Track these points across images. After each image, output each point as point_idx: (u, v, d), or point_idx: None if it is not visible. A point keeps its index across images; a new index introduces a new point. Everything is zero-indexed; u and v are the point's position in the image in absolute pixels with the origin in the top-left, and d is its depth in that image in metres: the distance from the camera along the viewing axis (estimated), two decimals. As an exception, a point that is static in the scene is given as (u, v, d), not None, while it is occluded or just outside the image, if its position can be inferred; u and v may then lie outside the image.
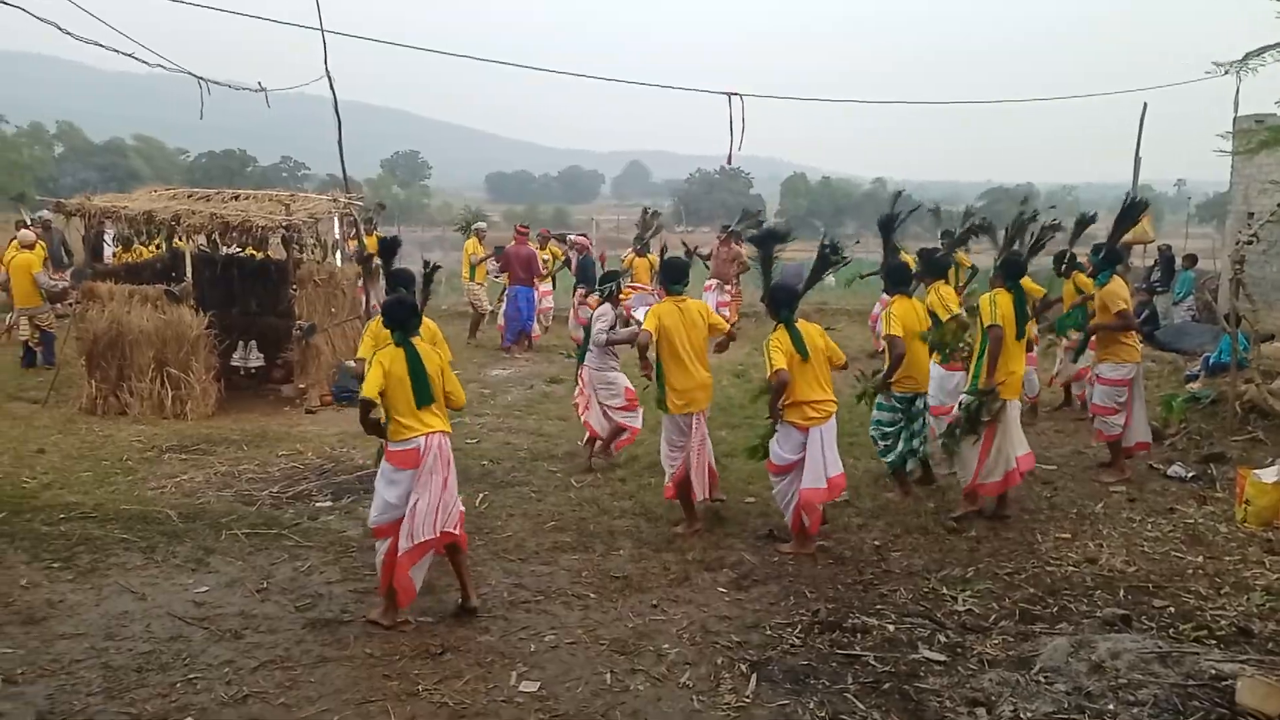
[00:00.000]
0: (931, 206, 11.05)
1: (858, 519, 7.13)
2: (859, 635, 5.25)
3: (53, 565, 6.14)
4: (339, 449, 9.02)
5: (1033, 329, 7.38)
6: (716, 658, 5.00)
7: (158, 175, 57.41)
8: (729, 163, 9.60)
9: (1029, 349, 7.83)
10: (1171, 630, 5.24)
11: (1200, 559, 6.32)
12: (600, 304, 8.37)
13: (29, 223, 14.82)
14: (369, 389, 5.17)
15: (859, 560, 6.36)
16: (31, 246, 12.87)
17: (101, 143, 68.67)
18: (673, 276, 7.04)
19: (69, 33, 6.85)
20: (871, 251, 10.76)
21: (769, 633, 5.29)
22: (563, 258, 16.39)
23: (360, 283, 11.72)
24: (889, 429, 7.50)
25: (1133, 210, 8.30)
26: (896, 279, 7.55)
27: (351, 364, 11.03)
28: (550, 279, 16.26)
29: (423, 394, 5.30)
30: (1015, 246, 8.22)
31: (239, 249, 12.59)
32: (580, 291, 14.60)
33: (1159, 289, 17.14)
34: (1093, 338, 8.32)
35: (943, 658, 4.98)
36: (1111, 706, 4.37)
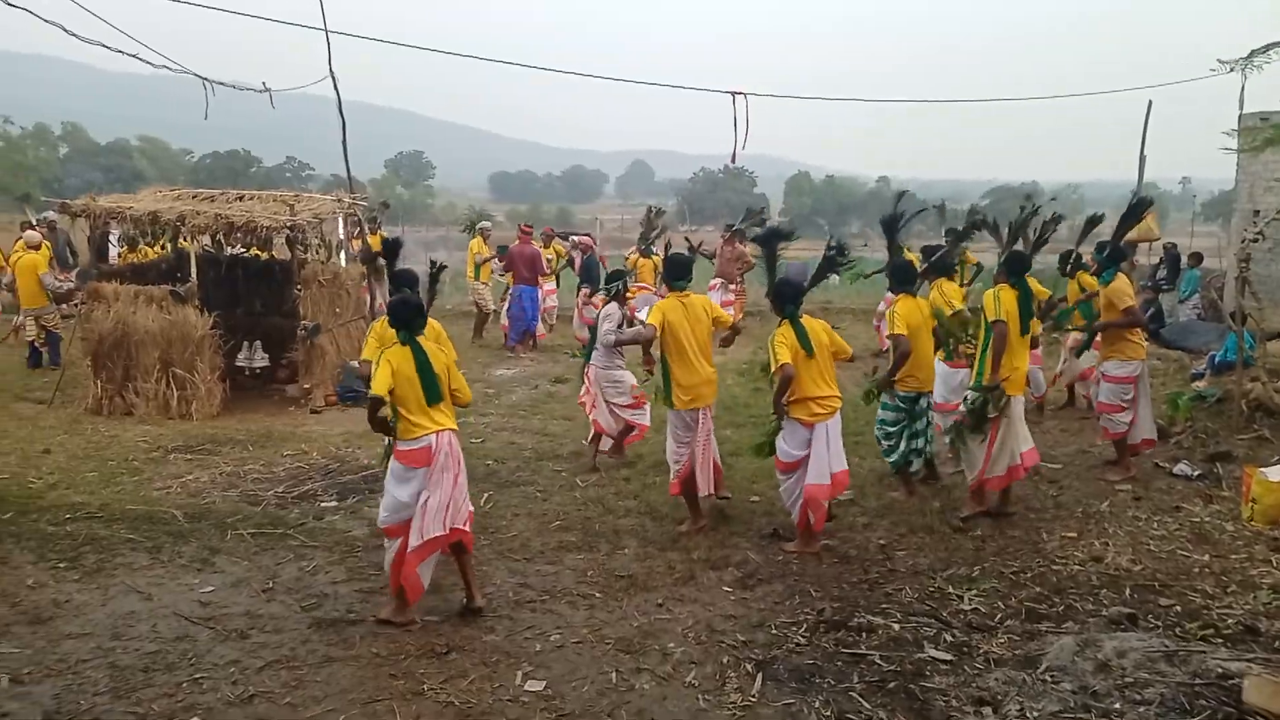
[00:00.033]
0: (936, 204, 11.02)
1: (863, 518, 7.12)
2: (864, 634, 5.24)
3: (59, 565, 6.16)
4: (344, 449, 9.03)
5: (1037, 326, 7.36)
6: (722, 657, 5.00)
7: (162, 176, 57.51)
8: (733, 162, 9.58)
9: (1034, 346, 7.81)
10: (1178, 629, 5.23)
11: (1207, 558, 6.30)
12: (607, 303, 8.37)
13: (34, 223, 14.87)
14: (378, 386, 5.16)
15: (864, 559, 6.36)
16: (37, 247, 12.91)
17: (106, 143, 68.77)
18: (676, 273, 7.05)
19: (74, 34, 6.86)
20: (877, 251, 10.74)
21: (774, 632, 5.28)
22: (566, 256, 16.39)
23: (365, 282, 11.73)
24: (892, 428, 7.50)
25: (1137, 208, 8.28)
26: (901, 277, 7.54)
27: (356, 364, 11.08)
28: (554, 278, 16.27)
29: (432, 392, 5.31)
30: (1018, 243, 8.20)
31: (244, 249, 12.61)
32: (584, 291, 14.59)
33: (1164, 287, 17.10)
34: (1096, 337, 8.30)
35: (948, 657, 4.97)
36: (1118, 705, 4.37)
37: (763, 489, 7.71)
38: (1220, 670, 4.57)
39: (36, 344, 12.84)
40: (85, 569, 6.11)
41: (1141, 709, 4.32)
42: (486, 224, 16.37)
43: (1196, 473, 8.03)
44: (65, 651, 5.04)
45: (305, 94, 12.35)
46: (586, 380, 8.45)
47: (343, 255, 13.81)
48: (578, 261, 15.60)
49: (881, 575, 6.10)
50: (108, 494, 7.60)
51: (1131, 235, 11.95)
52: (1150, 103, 17.05)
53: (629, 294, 8.56)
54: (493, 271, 15.71)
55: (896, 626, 5.33)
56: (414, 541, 5.26)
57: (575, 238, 16.76)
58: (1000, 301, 6.84)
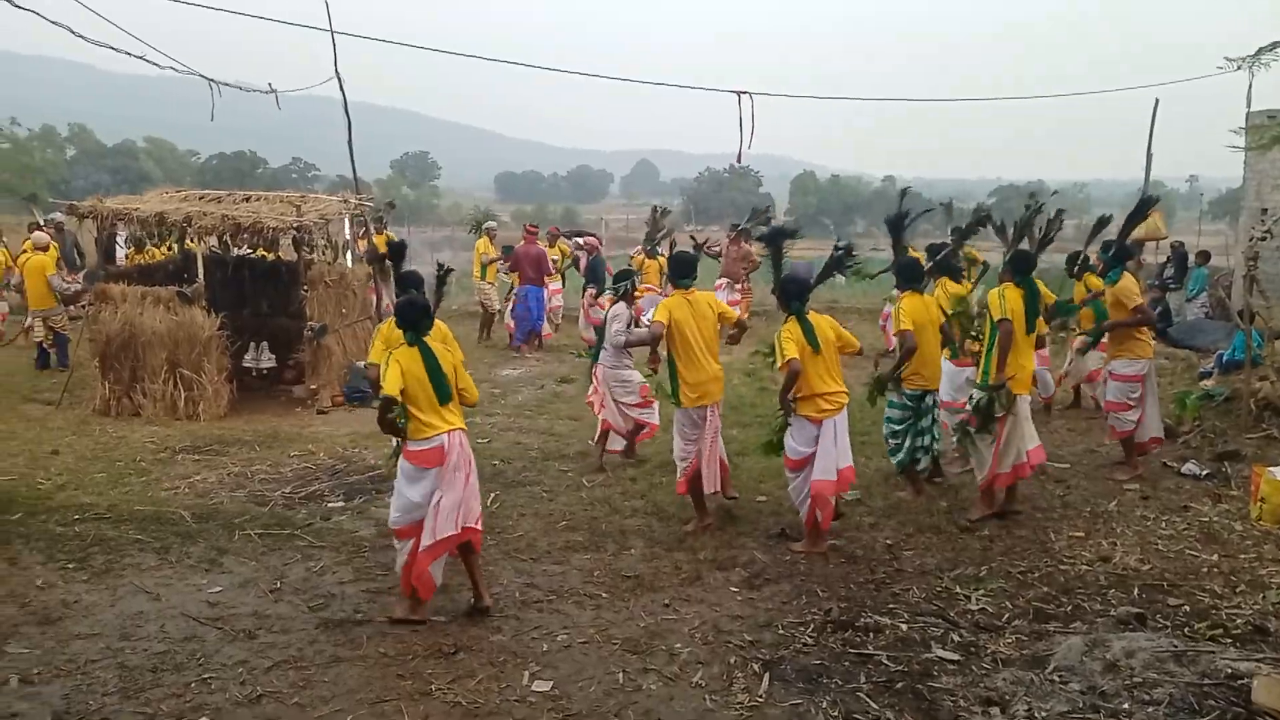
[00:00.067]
0: (944, 202, 11.00)
1: (869, 518, 7.11)
2: (872, 634, 5.24)
3: (68, 566, 6.17)
4: (351, 449, 9.05)
5: (1043, 326, 7.35)
6: (729, 657, 4.99)
7: (169, 177, 57.68)
8: (738, 161, 9.57)
9: (1039, 346, 7.79)
10: (1186, 629, 5.22)
11: (1215, 557, 6.28)
12: (614, 303, 8.37)
13: (42, 224, 14.91)
14: (390, 386, 5.15)
15: (871, 559, 6.35)
16: (46, 249, 12.95)
17: (113, 145, 68.98)
18: (681, 271, 7.04)
19: (81, 35, 6.88)
20: (884, 250, 10.75)
21: (781, 632, 5.28)
22: (570, 256, 16.39)
23: (370, 283, 11.75)
24: (898, 427, 7.49)
25: (1142, 207, 8.26)
26: (908, 275, 7.53)
27: (362, 365, 11.10)
28: (560, 277, 16.28)
29: (442, 391, 5.33)
30: (1023, 241, 8.19)
31: (250, 250, 12.64)
32: (590, 292, 14.60)
33: (1172, 286, 17.05)
34: (1103, 337, 8.29)
35: (956, 657, 4.97)
36: (1127, 705, 4.36)
37: (769, 489, 7.70)
38: (1229, 670, 4.56)
39: (44, 345, 12.88)
40: (94, 569, 6.13)
41: (1150, 709, 4.31)
42: (493, 224, 16.39)
43: (1205, 472, 8.01)
44: (74, 652, 5.05)
45: (310, 95, 12.38)
46: (594, 380, 8.46)
47: (349, 256, 13.83)
48: (583, 262, 15.60)
49: (888, 575, 6.09)
50: (116, 495, 7.63)
51: (1138, 234, 11.89)
52: (1157, 101, 17.00)
53: (636, 294, 8.55)
54: (499, 271, 15.73)
55: (904, 626, 5.32)
56: (426, 541, 5.27)
57: (582, 239, 16.77)
58: (1005, 300, 6.83)
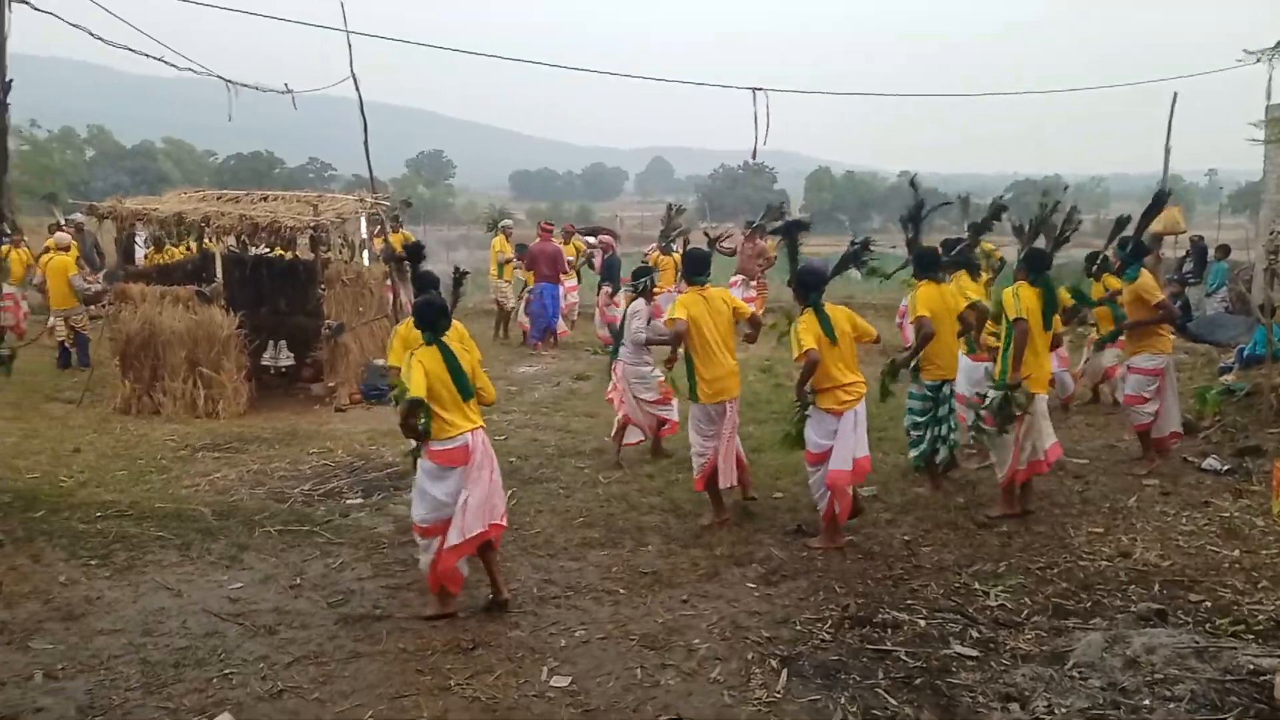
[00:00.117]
0: (961, 196, 10.94)
1: (886, 514, 7.09)
2: (890, 630, 5.23)
3: (90, 562, 6.24)
4: (369, 446, 9.09)
5: (1059, 324, 7.30)
6: (747, 653, 5.00)
7: (187, 178, 58.00)
8: (754, 158, 9.56)
9: (1056, 345, 7.74)
10: (1208, 625, 5.18)
11: (1236, 553, 6.24)
12: (633, 299, 8.38)
13: (62, 224, 15.04)
14: (417, 388, 5.15)
15: (889, 555, 6.33)
16: (67, 249, 13.06)
17: (131, 146, 69.44)
18: (695, 268, 7.04)
19: (100, 37, 6.93)
20: (899, 248, 10.71)
21: (799, 628, 5.28)
22: (585, 253, 16.40)
23: (388, 281, 11.81)
24: (921, 419, 7.46)
25: (1156, 203, 8.20)
26: (924, 264, 7.50)
27: (380, 363, 11.14)
28: (575, 274, 16.31)
29: (464, 389, 5.36)
30: (1038, 239, 8.15)
31: (268, 249, 12.71)
32: (606, 290, 14.61)
33: (1191, 280, 16.93)
34: (1120, 335, 8.26)
35: (975, 653, 4.95)
36: (1147, 702, 4.33)
37: (786, 485, 7.70)
38: (1251, 666, 4.53)
39: (66, 344, 12.99)
40: (116, 566, 6.19)
41: (1171, 705, 4.29)
42: (509, 222, 16.44)
43: (1225, 467, 7.95)
44: (97, 647, 5.10)
45: (326, 95, 12.44)
46: (614, 376, 8.47)
47: (365, 255, 13.89)
48: (598, 260, 15.61)
49: (906, 571, 6.07)
50: (137, 492, 7.69)
51: (1157, 228, 11.80)
52: (1175, 94, 16.89)
53: (655, 290, 8.56)
54: (514, 269, 15.77)
55: (922, 623, 5.31)
56: (454, 539, 5.29)
57: (596, 237, 16.79)
58: (1020, 299, 6.78)
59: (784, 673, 4.77)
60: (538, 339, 14.77)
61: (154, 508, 7.26)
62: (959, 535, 6.66)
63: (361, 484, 7.96)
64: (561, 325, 15.19)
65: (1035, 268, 6.99)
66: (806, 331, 6.30)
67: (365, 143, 10.18)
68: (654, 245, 15.32)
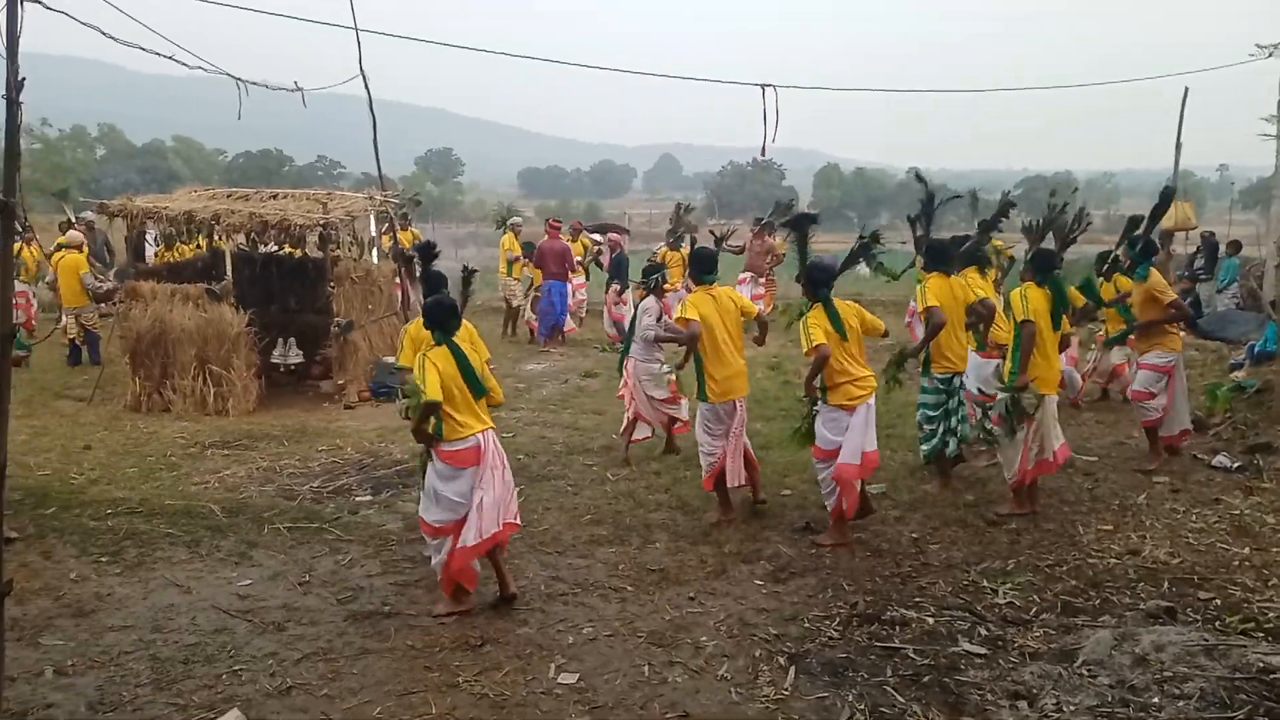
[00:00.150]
0: (971, 191, 10.90)
1: (895, 511, 7.08)
2: (898, 628, 5.22)
3: (101, 559, 6.27)
4: (378, 444, 9.12)
5: (1067, 324, 7.27)
6: (754, 650, 4.99)
7: (196, 176, 58.18)
8: (763, 155, 9.52)
9: (1065, 346, 7.71)
10: (1217, 623, 5.16)
11: (1246, 550, 6.21)
12: (644, 297, 8.39)
13: (73, 222, 15.11)
14: (434, 391, 5.15)
15: (897, 553, 6.32)
16: (79, 247, 13.12)
17: (142, 145, 69.70)
18: (703, 267, 7.02)
19: (111, 36, 6.95)
20: (909, 244, 10.66)
21: (807, 625, 5.27)
22: (593, 250, 16.39)
23: (396, 279, 11.83)
24: (934, 412, 7.43)
25: (1163, 201, 8.17)
26: (934, 257, 7.48)
27: (390, 360, 11.16)
28: (584, 272, 16.31)
29: (476, 388, 5.37)
30: (1046, 239, 8.11)
31: (277, 247, 12.75)
32: (615, 288, 14.62)
33: (1202, 276, 16.85)
34: (1130, 336, 8.24)
35: (983, 651, 4.94)
36: (1156, 700, 4.32)
37: (794, 482, 7.69)
38: (1261, 664, 4.50)
39: (76, 342, 13.05)
40: (126, 563, 6.22)
41: (1180, 703, 4.27)
42: (517, 220, 16.43)
43: (1236, 464, 7.92)
44: (108, 644, 5.13)
45: (334, 93, 12.44)
46: (626, 373, 8.47)
47: (374, 252, 13.92)
48: (606, 258, 15.61)
49: (915, 569, 6.06)
50: (147, 489, 7.73)
51: (1168, 224, 11.71)
52: (1186, 89, 16.81)
53: (667, 287, 8.54)
54: (523, 267, 15.78)
55: (930, 620, 5.30)
56: (471, 540, 5.30)
57: (605, 235, 16.78)
58: (1028, 300, 6.74)
59: (792, 670, 4.77)
60: (546, 336, 14.78)
61: (164, 505, 7.29)
62: (968, 533, 6.65)
63: (370, 481, 7.98)
64: (569, 323, 15.20)
65: (1043, 268, 6.97)
66: (816, 326, 6.29)
67: (374, 140, 10.15)
68: (665, 242, 15.33)
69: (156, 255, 15.27)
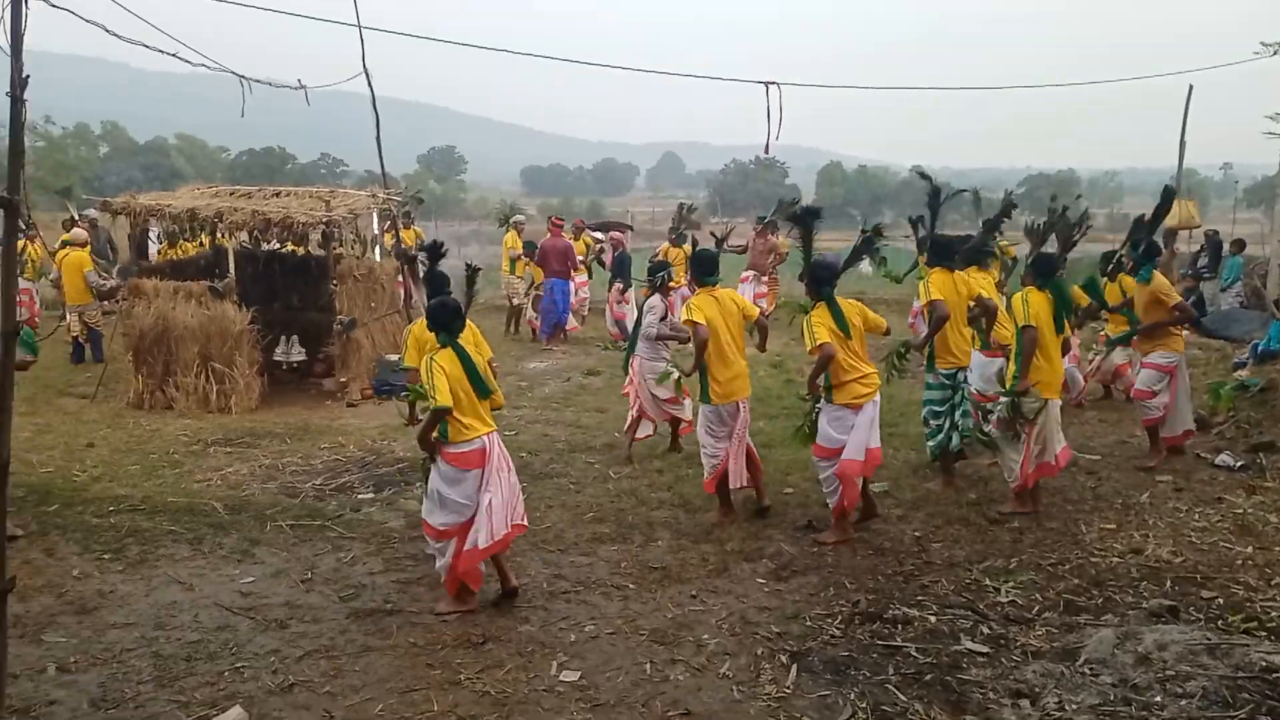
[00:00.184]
0: (973, 189, 10.89)
1: (897, 510, 7.08)
2: (900, 626, 5.22)
3: (103, 556, 6.28)
4: (380, 442, 9.12)
5: (1070, 329, 7.26)
6: (756, 648, 4.99)
7: (200, 174, 58.16)
8: (766, 152, 9.52)
9: (1067, 349, 7.70)
10: (1220, 622, 5.15)
11: (1249, 549, 6.20)
12: (650, 294, 8.38)
13: (77, 220, 15.12)
14: (444, 397, 5.14)
15: (899, 551, 6.32)
16: (84, 245, 13.13)
17: (145, 142, 69.71)
18: (704, 268, 7.00)
19: (115, 34, 6.95)
20: (912, 242, 10.63)
21: (809, 623, 5.27)
22: (595, 249, 16.40)
23: (399, 277, 11.83)
24: (940, 408, 7.42)
25: (1165, 201, 8.16)
26: (938, 252, 7.47)
27: (392, 358, 11.17)
28: (587, 270, 16.30)
29: (481, 389, 5.37)
30: (1047, 243, 8.11)
31: (280, 245, 12.75)
32: (618, 286, 14.61)
33: (1206, 275, 16.81)
34: (1134, 338, 8.25)
35: (985, 649, 4.94)
36: (1159, 699, 4.31)
37: (796, 481, 7.69)
38: (1264, 663, 4.49)
39: (79, 339, 13.07)
40: (129, 560, 6.23)
41: (1183, 702, 4.26)
42: (520, 218, 16.45)
43: (1239, 463, 7.91)
44: (110, 641, 5.14)
45: (337, 91, 12.46)
46: (631, 371, 8.46)
47: (377, 250, 13.92)
48: (609, 256, 15.61)
49: (917, 567, 6.06)
50: (150, 486, 7.73)
51: (1172, 223, 11.68)
52: (1191, 87, 16.78)
53: (672, 284, 8.53)
54: (525, 265, 15.78)
55: (932, 619, 5.30)
56: (483, 542, 5.31)
57: (607, 233, 16.78)
58: (1029, 305, 6.73)
59: (793, 668, 4.77)
60: (548, 334, 14.77)
61: (166, 502, 7.30)
62: (970, 531, 6.64)
63: (373, 479, 7.99)
64: (572, 321, 15.19)
65: (1043, 272, 6.96)
66: (820, 325, 6.28)
67: (378, 138, 10.18)
68: (666, 241, 15.32)
69: (159, 253, 15.28)
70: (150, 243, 15.28)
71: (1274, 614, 5.21)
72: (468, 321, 5.81)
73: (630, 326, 14.16)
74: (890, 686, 4.59)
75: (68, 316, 13.03)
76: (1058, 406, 6.99)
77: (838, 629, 5.20)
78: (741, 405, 6.80)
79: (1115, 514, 6.93)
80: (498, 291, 17.13)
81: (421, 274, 6.71)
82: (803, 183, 76.05)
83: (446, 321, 5.45)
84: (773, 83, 8.80)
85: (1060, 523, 6.77)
